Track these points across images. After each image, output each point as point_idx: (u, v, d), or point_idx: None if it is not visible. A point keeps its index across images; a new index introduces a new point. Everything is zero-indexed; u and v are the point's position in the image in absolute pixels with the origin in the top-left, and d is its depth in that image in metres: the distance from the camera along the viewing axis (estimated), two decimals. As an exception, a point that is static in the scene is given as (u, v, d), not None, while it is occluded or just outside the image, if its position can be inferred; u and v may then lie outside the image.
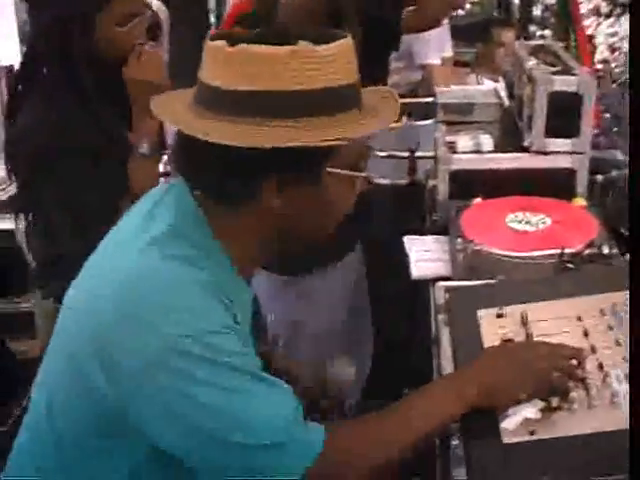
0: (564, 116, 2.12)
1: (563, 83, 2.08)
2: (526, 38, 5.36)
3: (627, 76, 4.11)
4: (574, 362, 1.29)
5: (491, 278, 1.81)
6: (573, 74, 2.12)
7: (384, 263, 2.73)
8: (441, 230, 2.22)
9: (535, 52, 2.39)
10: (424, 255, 2.13)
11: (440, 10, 3.10)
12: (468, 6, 8.69)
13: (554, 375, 1.26)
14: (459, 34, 5.31)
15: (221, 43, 1.13)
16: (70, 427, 1.21)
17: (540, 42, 2.59)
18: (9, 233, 2.78)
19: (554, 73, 2.13)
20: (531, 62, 2.23)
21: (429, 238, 2.21)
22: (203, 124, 1.14)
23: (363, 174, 1.24)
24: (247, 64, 1.12)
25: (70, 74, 1.90)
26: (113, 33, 1.93)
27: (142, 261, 1.16)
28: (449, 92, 2.66)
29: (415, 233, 2.32)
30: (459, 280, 1.85)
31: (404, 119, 3.53)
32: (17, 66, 2.22)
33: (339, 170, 1.19)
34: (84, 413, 1.19)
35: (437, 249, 2.14)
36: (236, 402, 1.13)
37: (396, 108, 1.27)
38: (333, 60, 1.14)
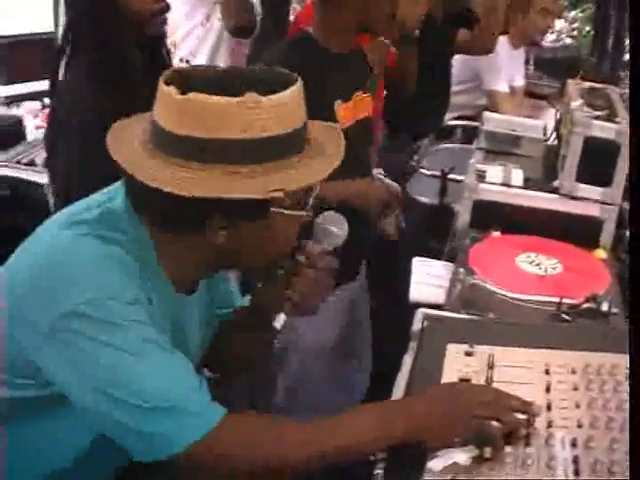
0: (598, 163, 2.04)
1: (601, 129, 2.00)
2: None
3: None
4: (521, 416, 1.23)
5: (482, 315, 1.75)
6: (615, 122, 2.04)
7: (392, 282, 2.69)
8: (455, 257, 2.16)
9: (587, 94, 2.30)
10: (428, 279, 2.07)
11: (494, 40, 3.09)
12: (569, 40, 8.52)
13: (489, 425, 1.19)
14: (544, 66, 5.21)
15: (172, 90, 1.17)
16: None
17: (599, 85, 2.49)
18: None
19: (595, 118, 2.04)
20: (577, 103, 2.15)
21: (438, 263, 2.15)
22: (152, 165, 1.19)
23: (303, 213, 1.27)
24: (197, 112, 1.16)
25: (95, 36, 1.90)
26: None
27: (61, 236, 1.23)
28: (495, 120, 2.59)
29: (435, 257, 2.27)
30: (450, 311, 1.79)
31: (475, 143, 3.49)
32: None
33: (283, 210, 1.23)
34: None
35: (444, 276, 2.07)
36: (131, 363, 1.17)
37: (341, 150, 1.28)
38: (279, 109, 1.18)
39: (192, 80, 1.20)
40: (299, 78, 1.23)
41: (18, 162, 3.05)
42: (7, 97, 3.75)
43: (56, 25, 3.60)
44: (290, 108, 1.20)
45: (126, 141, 1.23)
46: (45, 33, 3.53)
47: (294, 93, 1.20)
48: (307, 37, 2.18)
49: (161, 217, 1.24)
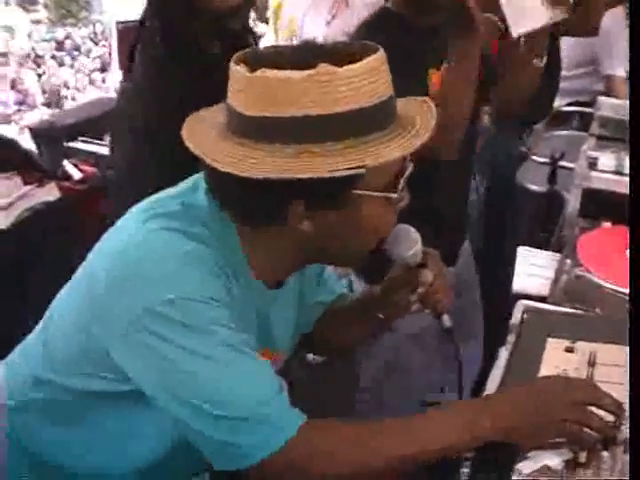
0: None
1: None
2: None
3: None
4: (610, 418, 1.14)
5: (587, 309, 1.66)
6: None
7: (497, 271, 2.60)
8: (562, 247, 2.07)
9: None
10: (533, 270, 1.99)
11: (599, 19, 2.92)
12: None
13: (583, 430, 1.12)
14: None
15: (242, 68, 1.10)
16: (62, 353, 1.28)
17: None
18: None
19: None
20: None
21: (545, 254, 2.06)
22: (222, 148, 1.12)
23: (394, 195, 1.16)
24: (266, 90, 1.08)
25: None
26: None
27: (139, 231, 1.17)
28: (611, 105, 2.46)
29: (542, 246, 2.18)
30: (554, 304, 1.71)
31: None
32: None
33: (369, 192, 1.13)
34: (76, 344, 1.24)
35: (550, 266, 1.98)
36: (209, 370, 1.11)
37: (430, 123, 1.16)
38: (357, 80, 1.07)
39: (264, 57, 1.12)
40: (380, 48, 1.12)
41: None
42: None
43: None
44: (371, 79, 1.09)
45: (204, 129, 1.17)
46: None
47: (375, 62, 1.09)
48: (387, 10, 2.14)
49: (237, 206, 1.17)
